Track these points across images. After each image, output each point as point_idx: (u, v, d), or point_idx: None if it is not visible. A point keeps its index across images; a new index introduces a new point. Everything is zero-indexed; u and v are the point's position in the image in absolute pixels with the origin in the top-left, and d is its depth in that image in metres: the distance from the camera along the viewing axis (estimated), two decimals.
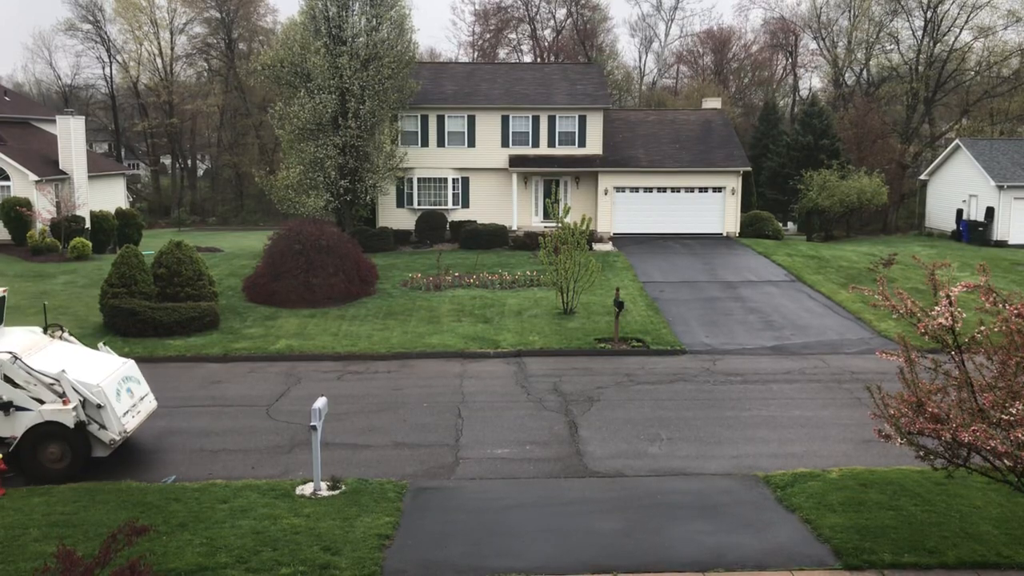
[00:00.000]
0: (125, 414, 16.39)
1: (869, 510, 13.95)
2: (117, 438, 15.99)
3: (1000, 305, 11.52)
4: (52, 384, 15.77)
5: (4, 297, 17.56)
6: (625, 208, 43.06)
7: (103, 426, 15.85)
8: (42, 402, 15.77)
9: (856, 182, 49.54)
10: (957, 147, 49.66)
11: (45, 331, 18.02)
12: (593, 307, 28.95)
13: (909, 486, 14.83)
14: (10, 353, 15.86)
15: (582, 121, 43.19)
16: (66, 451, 15.81)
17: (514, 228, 42.45)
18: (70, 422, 15.63)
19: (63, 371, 15.89)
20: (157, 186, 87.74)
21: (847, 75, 75.44)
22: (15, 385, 15.75)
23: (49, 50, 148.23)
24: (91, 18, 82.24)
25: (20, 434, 15.70)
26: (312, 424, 14.87)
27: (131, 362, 17.99)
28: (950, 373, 12.02)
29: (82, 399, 15.73)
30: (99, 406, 15.82)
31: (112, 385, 16.42)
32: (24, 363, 15.87)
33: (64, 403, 15.65)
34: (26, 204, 39.82)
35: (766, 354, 24.70)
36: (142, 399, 17.39)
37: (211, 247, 46.33)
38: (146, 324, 25.86)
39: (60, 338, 17.93)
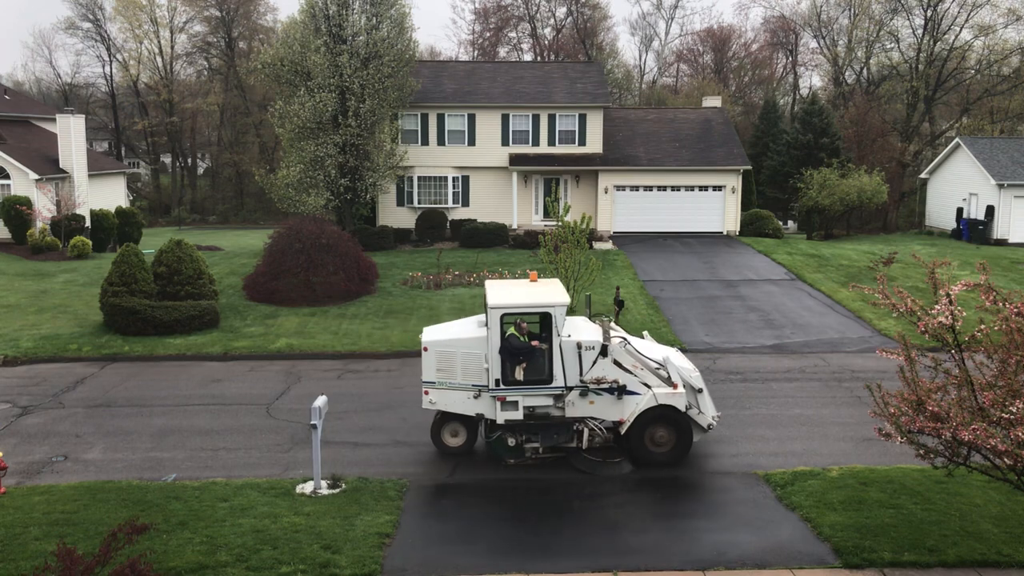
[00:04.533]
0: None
1: (869, 508, 13.95)
2: (713, 423, 16.24)
3: (1000, 304, 11.52)
4: (657, 369, 15.95)
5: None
6: (625, 207, 43.06)
7: (700, 411, 16.07)
8: (648, 386, 15.93)
9: (856, 180, 49.51)
10: (957, 145, 49.64)
11: (591, 320, 17.84)
12: (593, 306, 28.92)
13: (909, 484, 14.83)
14: (622, 338, 16.16)
15: (582, 120, 43.17)
16: (672, 435, 16.01)
17: (514, 227, 42.43)
18: (682, 406, 15.84)
19: (667, 356, 16.08)
20: (157, 185, 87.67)
21: (847, 73, 75.38)
22: (623, 370, 15.92)
23: (49, 49, 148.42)
24: (91, 16, 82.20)
25: (631, 418, 15.87)
26: (312, 422, 14.87)
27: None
28: (950, 372, 12.02)
29: (683, 383, 15.97)
30: (698, 390, 16.04)
31: (697, 370, 16.64)
32: (634, 348, 16.06)
33: (674, 387, 15.83)
34: (26, 203, 39.83)
35: (766, 352, 24.70)
36: None
37: (211, 246, 46.34)
38: (146, 323, 25.86)
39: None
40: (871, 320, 27.42)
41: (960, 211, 48.33)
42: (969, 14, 65.25)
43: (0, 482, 14.86)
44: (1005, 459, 11.30)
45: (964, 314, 11.74)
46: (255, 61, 44.13)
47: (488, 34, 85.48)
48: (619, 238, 41.74)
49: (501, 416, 15.96)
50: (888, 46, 71.05)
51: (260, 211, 75.85)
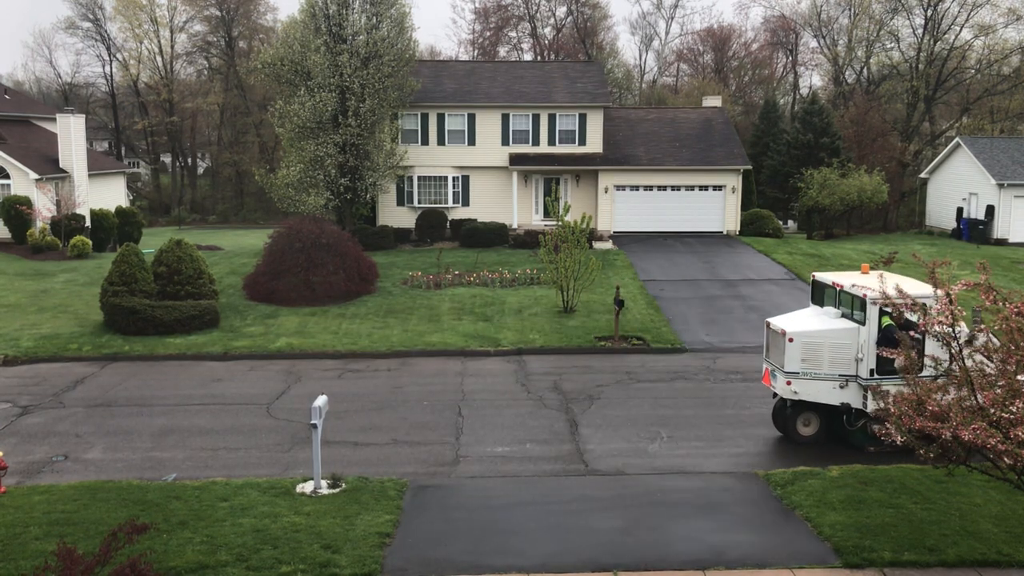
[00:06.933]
0: None
1: (869, 508, 13.95)
2: None
3: (1000, 303, 11.52)
4: None
5: None
6: (625, 206, 43.04)
7: None
8: None
9: (856, 180, 49.50)
10: (957, 145, 49.65)
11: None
12: (593, 305, 28.94)
13: (909, 484, 14.84)
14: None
15: (582, 119, 43.17)
16: None
17: (514, 226, 42.43)
18: None
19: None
20: (157, 184, 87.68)
21: (847, 73, 75.37)
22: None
23: (49, 48, 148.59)
24: (91, 16, 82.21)
25: None
26: (312, 422, 14.85)
27: None
28: (950, 371, 12.02)
29: None
30: None
31: None
32: (991, 338, 16.04)
33: None
34: (26, 202, 39.83)
35: None
36: None
37: (211, 245, 46.34)
38: (146, 322, 25.86)
39: None
40: None
41: (960, 211, 48.33)
42: (969, 14, 65.30)
43: (0, 482, 14.86)
44: (1005, 459, 11.31)
45: (964, 314, 11.74)
46: (255, 61, 44.12)
47: (488, 34, 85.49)
48: (619, 238, 41.73)
49: (872, 406, 16.12)
50: (888, 46, 71.10)
51: (260, 211, 75.84)
